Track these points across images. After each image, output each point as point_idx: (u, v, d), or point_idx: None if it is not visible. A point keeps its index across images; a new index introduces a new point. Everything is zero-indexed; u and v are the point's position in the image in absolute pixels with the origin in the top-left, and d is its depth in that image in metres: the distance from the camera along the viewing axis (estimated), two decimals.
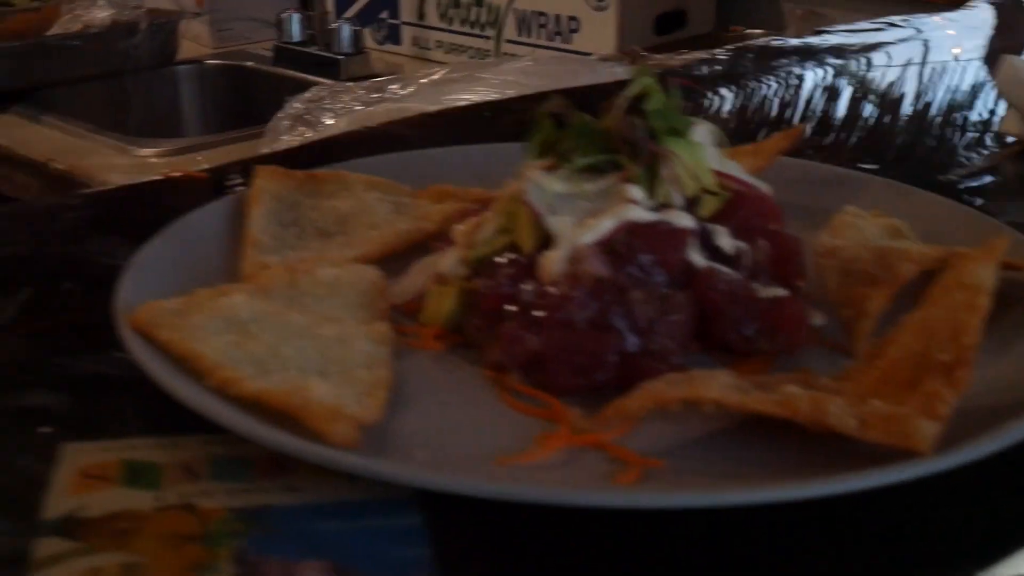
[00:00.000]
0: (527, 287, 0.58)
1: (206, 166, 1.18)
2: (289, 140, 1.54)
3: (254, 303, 0.58)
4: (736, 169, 0.66)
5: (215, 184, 0.90)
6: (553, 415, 0.54)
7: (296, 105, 1.61)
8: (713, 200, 0.62)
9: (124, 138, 1.83)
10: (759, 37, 1.98)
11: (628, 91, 0.62)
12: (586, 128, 0.61)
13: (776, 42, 1.52)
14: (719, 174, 0.63)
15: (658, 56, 1.84)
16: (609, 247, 0.58)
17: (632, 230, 0.58)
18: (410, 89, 1.62)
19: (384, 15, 2.25)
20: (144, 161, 1.77)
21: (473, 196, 0.74)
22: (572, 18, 2.01)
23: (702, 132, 0.65)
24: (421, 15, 2.21)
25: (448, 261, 0.62)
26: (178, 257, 0.66)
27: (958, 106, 1.21)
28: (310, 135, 1.54)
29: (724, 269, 0.60)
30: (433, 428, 0.54)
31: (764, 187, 0.67)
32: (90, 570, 0.45)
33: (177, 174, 0.94)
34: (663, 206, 0.60)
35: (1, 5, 2.10)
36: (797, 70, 1.34)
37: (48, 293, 0.73)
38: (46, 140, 1.85)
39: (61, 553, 0.46)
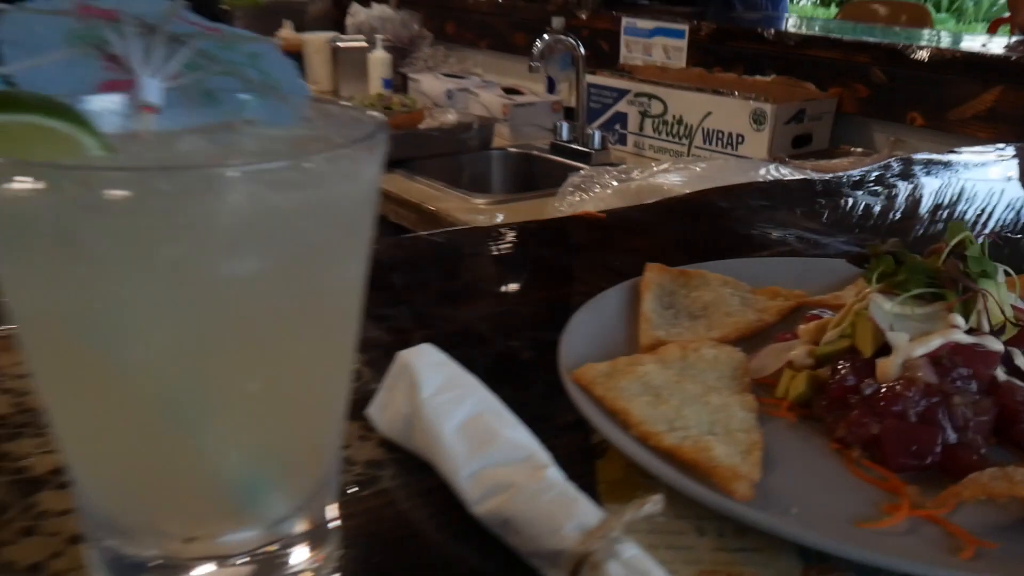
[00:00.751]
0: (868, 383, 0.51)
1: (604, 208, 1.22)
2: (572, 200, 1.70)
3: (661, 372, 0.54)
4: None
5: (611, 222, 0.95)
6: (892, 488, 0.47)
7: (575, 179, 1.75)
8: (1012, 329, 0.54)
9: (463, 191, 1.99)
10: (860, 154, 2.05)
11: (950, 240, 0.54)
12: (917, 266, 0.54)
13: (928, 156, 1.39)
14: (1016, 308, 0.55)
15: (798, 160, 1.92)
16: (936, 360, 0.50)
17: (955, 349, 0.50)
18: (646, 173, 1.76)
19: (617, 126, 2.38)
20: (475, 206, 1.92)
21: (795, 296, 0.67)
22: (739, 134, 2.11)
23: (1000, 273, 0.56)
24: (640, 127, 2.34)
25: (798, 353, 0.56)
26: (596, 324, 0.61)
27: None
28: (585, 198, 1.69)
29: (1019, 383, 0.52)
30: (797, 487, 0.47)
31: None
32: None
33: (582, 213, 0.98)
34: (974, 330, 0.52)
35: (386, 109, 2.40)
36: (948, 175, 1.24)
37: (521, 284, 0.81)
38: (417, 190, 2.02)
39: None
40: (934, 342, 0.50)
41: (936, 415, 0.48)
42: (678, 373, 0.54)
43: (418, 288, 0.77)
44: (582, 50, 2.33)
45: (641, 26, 2.51)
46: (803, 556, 0.44)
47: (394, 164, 2.17)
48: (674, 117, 2.23)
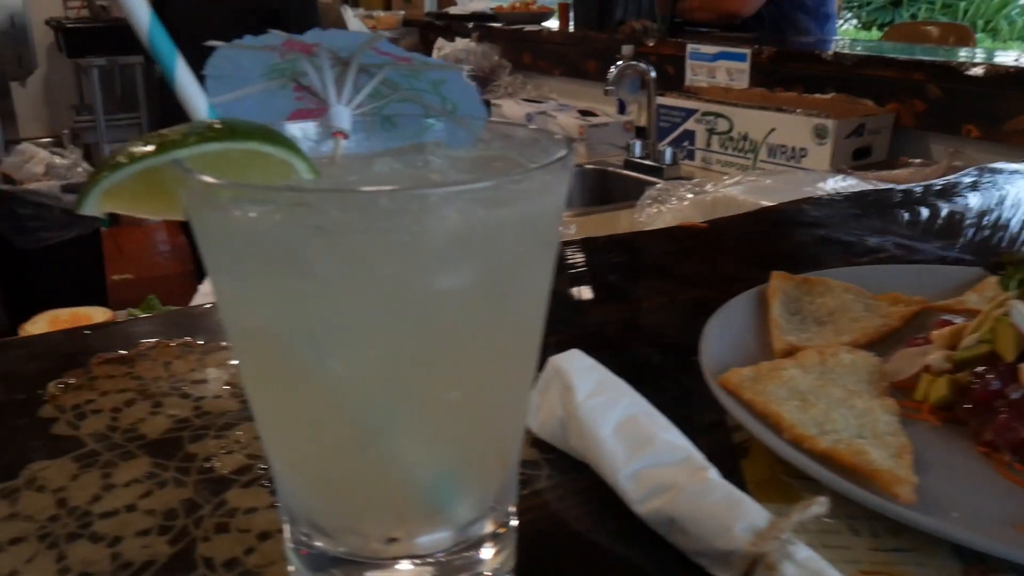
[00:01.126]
0: (1014, 387, 0.47)
1: (683, 218, 1.18)
2: (650, 211, 1.62)
3: (803, 376, 0.50)
4: None
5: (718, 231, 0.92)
6: None
7: (652, 192, 1.71)
8: None
9: None
10: (919, 165, 1.92)
11: None
12: None
13: (1006, 165, 1.29)
14: None
15: (860, 172, 1.81)
16: None
17: None
18: (719, 186, 1.70)
19: (686, 143, 2.31)
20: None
21: (916, 302, 0.62)
22: (802, 148, 2.03)
23: None
24: (708, 143, 2.26)
25: (936, 357, 0.52)
26: (729, 330, 0.58)
27: None
28: (663, 209, 1.62)
29: None
30: (951, 490, 0.43)
31: None
32: None
33: (686, 224, 0.95)
34: None
35: None
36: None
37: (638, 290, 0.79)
38: None
39: None
40: None
41: None
42: (819, 377, 0.51)
43: None
44: (653, 74, 2.30)
45: (705, 51, 2.47)
46: (961, 556, 0.40)
47: None
48: (739, 133, 2.18)
